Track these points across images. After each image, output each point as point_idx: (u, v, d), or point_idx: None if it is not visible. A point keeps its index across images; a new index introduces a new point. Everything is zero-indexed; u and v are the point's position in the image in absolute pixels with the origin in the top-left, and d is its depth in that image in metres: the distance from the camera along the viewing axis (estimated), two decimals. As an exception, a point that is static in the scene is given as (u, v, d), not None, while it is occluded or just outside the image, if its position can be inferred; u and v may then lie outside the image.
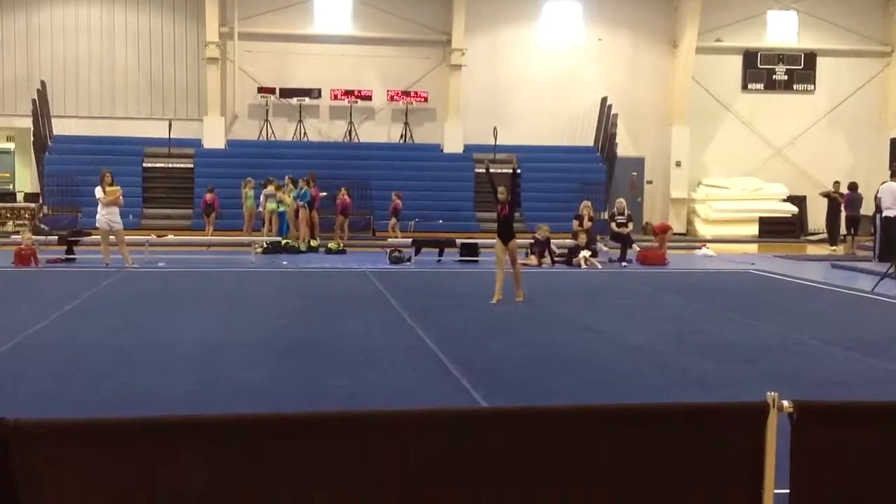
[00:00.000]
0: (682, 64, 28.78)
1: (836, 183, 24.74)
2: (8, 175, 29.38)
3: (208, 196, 23.62)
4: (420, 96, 28.02)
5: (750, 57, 29.86)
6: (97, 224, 16.72)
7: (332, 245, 20.80)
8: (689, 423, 3.46)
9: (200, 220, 24.60)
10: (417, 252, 19.25)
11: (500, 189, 12.51)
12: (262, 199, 22.29)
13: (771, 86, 30.00)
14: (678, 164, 28.87)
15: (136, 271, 15.76)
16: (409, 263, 18.39)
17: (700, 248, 22.85)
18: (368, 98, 27.86)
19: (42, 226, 22.74)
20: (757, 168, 29.38)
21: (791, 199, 28.55)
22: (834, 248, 23.69)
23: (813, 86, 30.08)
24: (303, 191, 21.39)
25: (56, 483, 3.09)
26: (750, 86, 29.96)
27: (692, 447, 3.41)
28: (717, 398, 6.68)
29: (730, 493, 3.45)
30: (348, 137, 27.85)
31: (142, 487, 3.16)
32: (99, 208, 16.53)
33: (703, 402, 4.02)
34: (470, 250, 19.28)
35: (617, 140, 27.54)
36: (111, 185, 16.50)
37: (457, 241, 19.78)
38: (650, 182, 29.49)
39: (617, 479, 3.38)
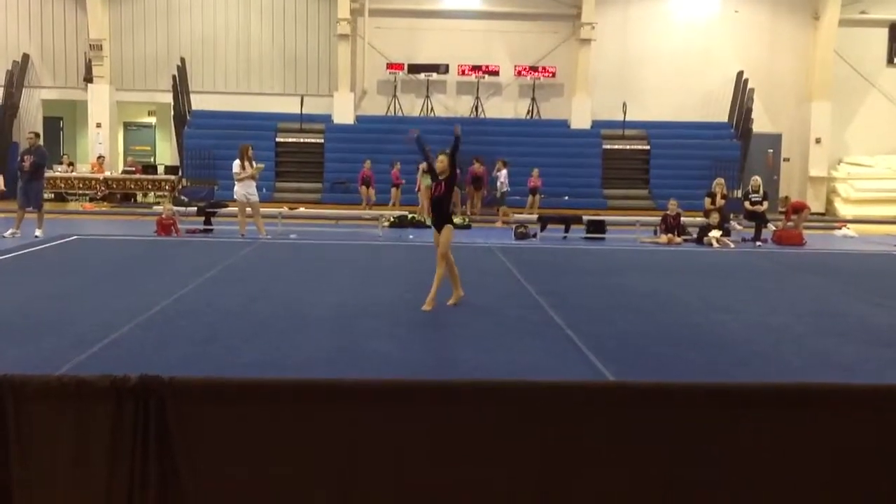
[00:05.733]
0: (824, 37, 27.52)
1: None
2: (149, 148, 30.77)
3: (366, 168, 23.91)
4: (548, 71, 27.75)
5: (897, 29, 28.31)
6: (235, 196, 17.30)
7: (457, 220, 20.85)
8: (855, 406, 3.33)
9: (330, 193, 25.14)
10: (543, 228, 19.15)
11: (440, 158, 9.85)
12: (418, 175, 22.52)
13: (919, 60, 28.39)
14: (818, 141, 27.69)
15: (269, 242, 16.23)
16: (534, 240, 18.32)
17: (840, 228, 21.92)
18: (496, 73, 27.77)
19: (182, 197, 23.67)
20: (903, 146, 27.93)
21: (941, 180, 26.97)
22: None
23: (965, 60, 28.32)
24: None
25: (206, 436, 3.22)
26: (896, 60, 28.44)
27: (858, 430, 3.27)
28: (858, 382, 6.40)
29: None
30: (475, 113, 27.85)
31: (285, 444, 3.26)
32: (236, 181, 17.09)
33: (871, 384, 3.82)
34: (597, 227, 19.06)
35: (752, 116, 26.63)
36: (250, 158, 17.01)
37: (583, 217, 19.58)
38: (787, 160, 28.41)
39: (769, 460, 3.27)
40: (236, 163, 17.09)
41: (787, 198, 20.67)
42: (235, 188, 17.13)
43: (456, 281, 9.93)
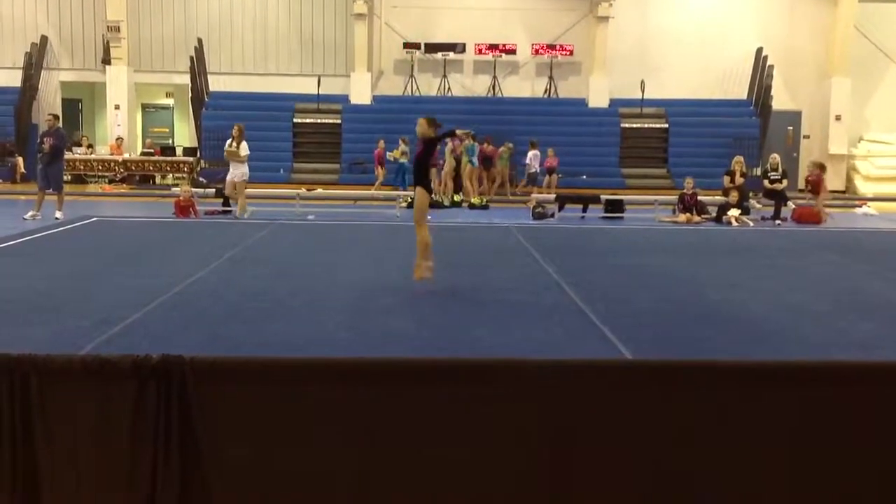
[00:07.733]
0: (845, 13, 27.17)
1: None
2: (167, 130, 30.83)
3: (380, 149, 23.85)
4: (565, 49, 27.59)
5: (920, 4, 27.91)
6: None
7: (475, 200, 20.91)
8: (864, 382, 3.33)
9: (348, 174, 25.15)
10: (561, 208, 19.10)
11: (420, 121, 10.24)
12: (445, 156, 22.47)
13: (942, 35, 28.00)
14: (838, 118, 27.40)
15: (287, 223, 16.28)
16: (552, 219, 18.29)
17: (860, 206, 21.75)
18: (513, 52, 27.64)
19: (200, 179, 23.73)
20: (925, 123, 27.59)
21: (962, 157, 26.65)
22: None
23: None
24: (471, 146, 21.89)
25: (227, 415, 3.25)
26: (919, 36, 28.05)
27: (877, 407, 3.27)
28: (878, 359, 6.38)
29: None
30: (492, 92, 27.75)
31: (306, 423, 3.29)
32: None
33: (890, 361, 3.81)
34: (615, 207, 18.96)
35: (772, 93, 26.39)
36: (238, 137, 17.00)
37: (601, 197, 19.51)
38: (807, 137, 28.18)
39: (787, 437, 3.27)
40: (230, 143, 17.17)
41: (822, 165, 19.85)
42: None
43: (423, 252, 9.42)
